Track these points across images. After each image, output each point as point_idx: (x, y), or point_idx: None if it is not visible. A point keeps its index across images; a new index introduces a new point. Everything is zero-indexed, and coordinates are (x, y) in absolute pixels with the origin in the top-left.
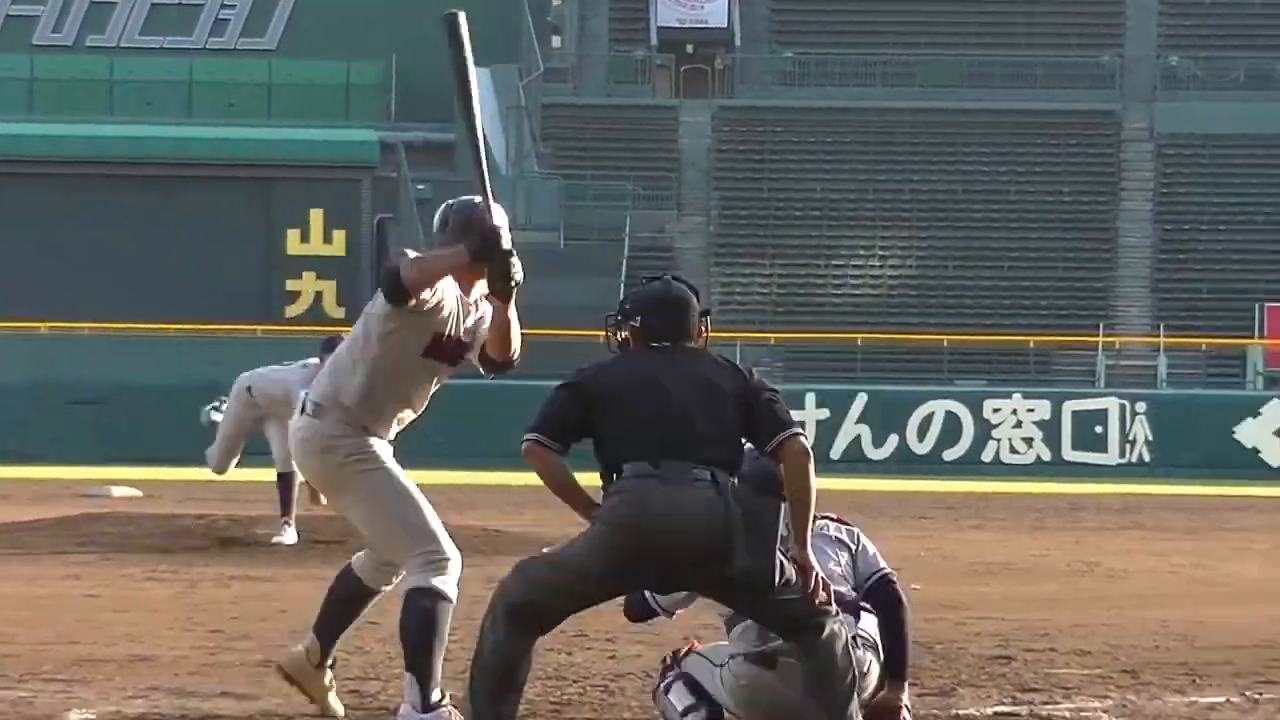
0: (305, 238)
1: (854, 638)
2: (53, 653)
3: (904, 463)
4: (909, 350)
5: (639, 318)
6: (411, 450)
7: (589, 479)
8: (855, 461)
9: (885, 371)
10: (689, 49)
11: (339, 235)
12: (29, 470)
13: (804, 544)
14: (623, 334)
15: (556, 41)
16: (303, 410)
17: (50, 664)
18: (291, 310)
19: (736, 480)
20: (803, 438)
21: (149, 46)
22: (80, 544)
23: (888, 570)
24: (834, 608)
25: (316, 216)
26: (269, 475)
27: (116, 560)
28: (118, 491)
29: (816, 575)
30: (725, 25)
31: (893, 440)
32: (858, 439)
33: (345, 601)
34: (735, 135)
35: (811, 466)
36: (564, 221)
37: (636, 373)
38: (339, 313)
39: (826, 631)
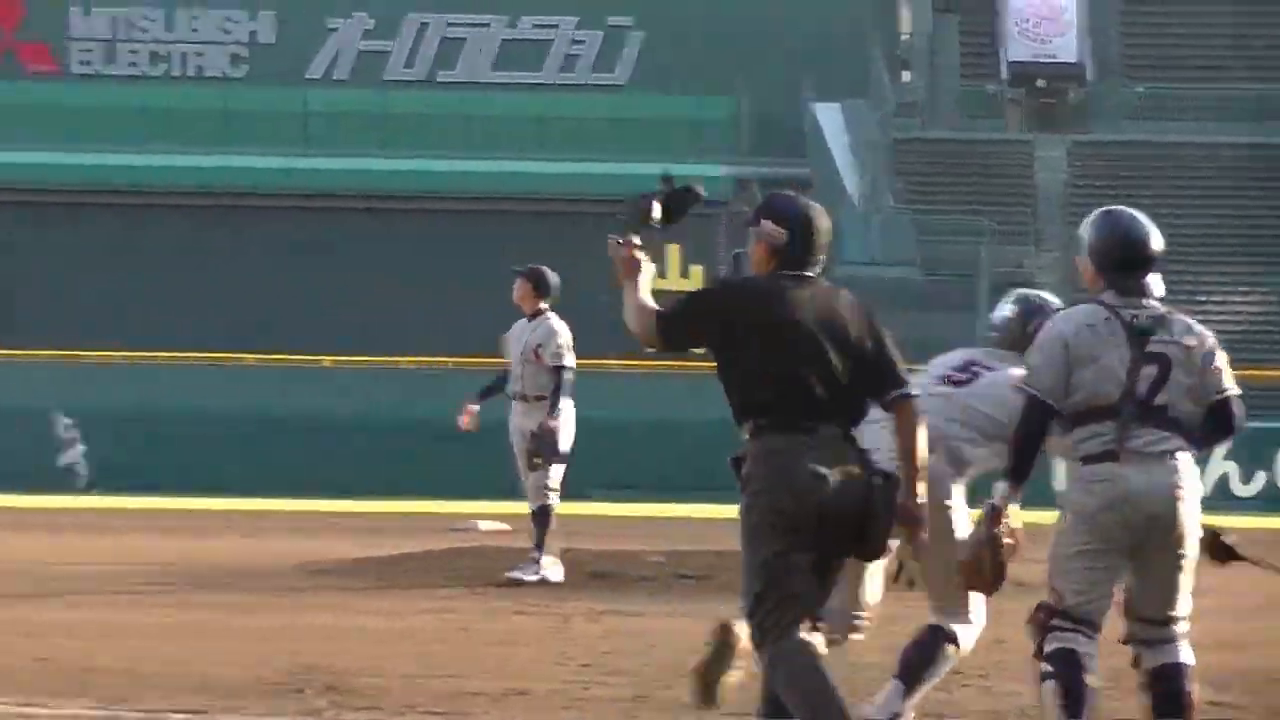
0: (663, 273)
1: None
2: (425, 686)
3: (1273, 500)
4: (1275, 385)
5: (785, 236)
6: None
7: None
8: (1223, 499)
9: (1252, 407)
10: (1039, 83)
11: (696, 270)
12: (400, 504)
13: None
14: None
15: (907, 76)
16: None
17: (423, 696)
18: None
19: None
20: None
21: (500, 82)
22: (449, 578)
23: None
24: None
25: (673, 252)
26: (625, 509)
27: (484, 594)
28: (485, 525)
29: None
30: (1076, 60)
31: (1260, 477)
32: (1225, 476)
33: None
34: (1090, 170)
35: (924, 424)
36: (920, 256)
37: (786, 306)
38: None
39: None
